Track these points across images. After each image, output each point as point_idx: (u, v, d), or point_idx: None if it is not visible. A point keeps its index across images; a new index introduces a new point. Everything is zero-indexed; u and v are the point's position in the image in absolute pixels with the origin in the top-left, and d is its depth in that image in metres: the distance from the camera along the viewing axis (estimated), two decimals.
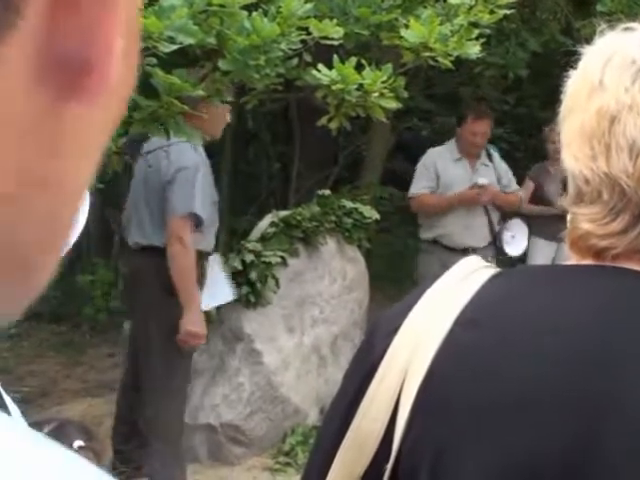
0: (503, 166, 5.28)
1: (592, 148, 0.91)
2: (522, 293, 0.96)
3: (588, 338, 0.89)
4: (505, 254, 5.13)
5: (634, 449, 0.83)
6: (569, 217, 0.96)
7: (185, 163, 3.32)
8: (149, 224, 3.52)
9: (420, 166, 5.19)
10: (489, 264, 1.02)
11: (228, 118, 3.42)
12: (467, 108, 5.50)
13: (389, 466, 0.94)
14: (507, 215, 5.22)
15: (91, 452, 1.95)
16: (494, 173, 5.16)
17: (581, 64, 0.95)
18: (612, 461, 0.84)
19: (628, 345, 0.88)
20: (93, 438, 2.05)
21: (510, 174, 5.28)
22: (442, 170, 5.07)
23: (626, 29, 0.94)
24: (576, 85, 0.94)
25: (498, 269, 1.00)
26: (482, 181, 5.01)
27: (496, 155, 5.33)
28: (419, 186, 5.10)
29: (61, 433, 1.90)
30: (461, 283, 0.98)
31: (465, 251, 4.68)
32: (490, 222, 5.11)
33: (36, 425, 1.76)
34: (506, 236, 5.15)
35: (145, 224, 3.54)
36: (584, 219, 0.92)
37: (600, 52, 0.94)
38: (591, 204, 0.92)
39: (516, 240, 5.25)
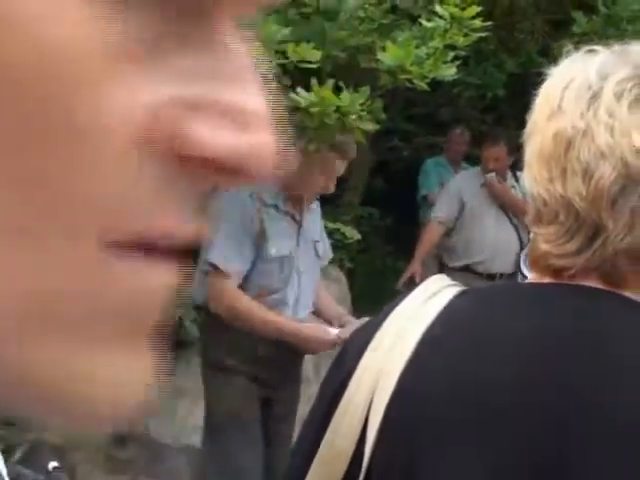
0: None
1: (549, 171, 0.94)
2: (485, 312, 0.99)
3: (548, 356, 0.91)
4: (525, 277, 4.99)
5: (613, 466, 0.86)
6: (531, 236, 0.99)
7: None
8: None
9: (444, 190, 5.16)
10: (455, 283, 1.05)
11: None
12: (486, 134, 5.43)
13: (361, 479, 0.97)
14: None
15: (64, 474, 1.96)
16: (521, 194, 5.07)
17: (543, 87, 0.98)
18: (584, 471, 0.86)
19: (587, 365, 0.90)
20: (67, 458, 2.06)
21: None
22: (468, 197, 5.01)
23: (589, 51, 0.97)
24: (538, 107, 0.97)
25: (463, 288, 1.03)
26: (490, 177, 4.98)
27: (522, 175, 5.24)
28: (440, 210, 5.05)
29: (34, 454, 1.92)
30: (427, 302, 1.00)
31: (493, 277, 4.65)
32: (521, 245, 4.93)
33: (10, 448, 1.77)
34: (523, 258, 5.01)
35: None
36: (542, 239, 0.95)
37: (561, 76, 0.96)
38: (549, 225, 0.94)
39: None
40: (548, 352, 0.92)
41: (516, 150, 5.26)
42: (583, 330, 0.92)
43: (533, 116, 0.98)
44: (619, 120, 0.90)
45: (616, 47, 0.96)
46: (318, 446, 1.00)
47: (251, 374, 3.01)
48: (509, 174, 5.10)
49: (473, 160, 6.29)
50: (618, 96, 0.91)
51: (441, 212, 5.05)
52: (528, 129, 0.98)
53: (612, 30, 4.65)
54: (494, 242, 4.92)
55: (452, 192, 5.08)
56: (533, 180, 0.96)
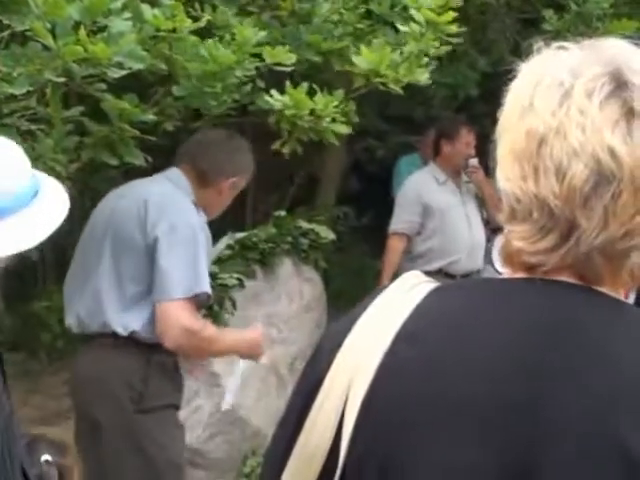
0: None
1: (522, 169, 0.94)
2: (458, 307, 0.99)
3: (520, 351, 0.92)
4: (499, 272, 5.00)
5: (581, 460, 0.86)
6: (504, 233, 0.99)
7: None
8: None
9: (400, 197, 4.97)
10: (429, 279, 1.05)
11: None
12: (441, 127, 5.27)
13: (337, 477, 0.96)
14: (494, 231, 5.01)
15: (56, 468, 1.95)
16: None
17: (514, 84, 0.98)
18: (554, 472, 0.86)
19: (557, 357, 0.90)
20: (64, 455, 2.05)
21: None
22: (430, 198, 4.86)
23: (560, 48, 0.97)
24: (509, 105, 0.97)
25: (437, 284, 1.03)
26: (473, 161, 4.94)
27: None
28: (399, 221, 4.90)
29: (31, 448, 1.91)
30: (401, 298, 1.00)
31: (467, 276, 4.62)
32: (487, 239, 4.95)
33: None
34: (495, 253, 4.96)
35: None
36: (516, 236, 0.95)
37: (531, 73, 0.97)
38: (522, 222, 0.94)
39: None
40: (522, 347, 0.92)
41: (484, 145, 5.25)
42: (556, 324, 0.92)
43: (503, 114, 0.98)
44: (590, 118, 0.90)
45: (586, 43, 0.97)
46: (294, 443, 1.00)
47: None
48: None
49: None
50: (589, 94, 0.91)
51: (400, 223, 4.91)
52: (499, 127, 0.98)
53: (583, 28, 4.67)
54: (469, 241, 4.90)
55: (409, 197, 4.94)
56: (505, 178, 0.96)
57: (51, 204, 1.68)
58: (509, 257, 0.98)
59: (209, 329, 2.84)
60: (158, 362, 2.74)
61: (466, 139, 4.99)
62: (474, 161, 4.96)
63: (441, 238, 4.86)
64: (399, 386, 0.95)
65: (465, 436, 0.90)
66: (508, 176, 0.95)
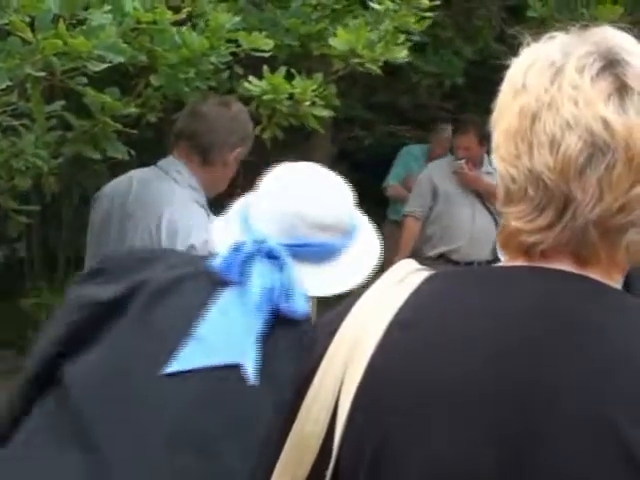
0: None
1: (516, 147, 0.94)
2: (454, 295, 0.99)
3: (517, 339, 0.91)
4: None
5: (576, 445, 0.86)
6: (501, 219, 1.00)
7: None
8: None
9: (417, 180, 5.18)
10: (423, 267, 1.05)
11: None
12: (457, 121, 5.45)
13: (330, 466, 0.96)
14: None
15: None
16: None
17: (507, 73, 0.99)
18: (551, 461, 0.86)
19: (553, 344, 0.90)
20: None
21: None
22: (441, 184, 5.03)
23: (550, 37, 0.98)
24: (503, 91, 0.98)
25: (433, 271, 1.03)
26: (459, 163, 4.99)
27: None
28: (414, 204, 5.09)
29: None
30: (397, 285, 1.00)
31: (471, 264, 4.64)
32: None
33: None
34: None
35: None
36: (512, 217, 0.95)
37: (523, 59, 0.98)
38: (519, 202, 0.95)
39: None
40: (515, 337, 0.91)
41: (488, 138, 5.21)
42: (550, 314, 0.92)
43: (498, 100, 0.99)
44: (583, 92, 0.91)
45: (574, 29, 0.98)
46: (288, 433, 1.00)
47: None
48: (485, 159, 5.09)
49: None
50: (580, 70, 0.92)
51: (415, 207, 5.06)
52: (495, 113, 0.99)
53: (567, 14, 4.67)
54: (470, 229, 4.94)
55: (424, 183, 5.09)
56: (501, 159, 0.96)
57: (368, 237, 1.61)
58: (506, 240, 0.98)
59: None
60: None
61: (454, 142, 5.09)
62: (459, 163, 4.99)
63: (443, 223, 4.97)
64: (394, 371, 0.95)
65: (461, 421, 0.90)
66: (503, 156, 0.96)
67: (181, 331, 1.40)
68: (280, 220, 1.48)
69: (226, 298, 1.42)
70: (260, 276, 1.42)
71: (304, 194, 1.51)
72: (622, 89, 0.92)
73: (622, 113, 0.91)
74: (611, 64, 0.93)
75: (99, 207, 2.83)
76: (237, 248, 1.45)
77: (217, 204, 2.90)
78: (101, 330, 1.44)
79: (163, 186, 2.71)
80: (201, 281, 1.45)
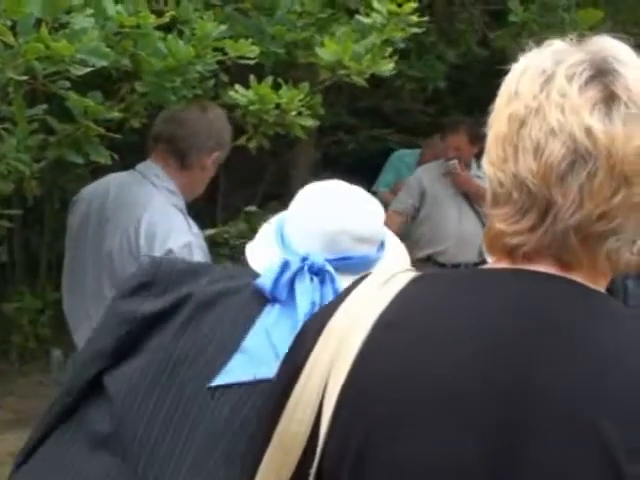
0: None
1: (504, 151, 0.96)
2: (440, 295, 1.00)
3: (501, 338, 0.93)
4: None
5: (559, 443, 0.86)
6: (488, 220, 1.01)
7: None
8: None
9: (405, 186, 5.19)
10: (411, 268, 1.07)
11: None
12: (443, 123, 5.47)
13: (314, 464, 0.97)
14: None
15: None
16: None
17: (505, 78, 1.01)
18: (534, 458, 0.87)
19: (536, 346, 0.91)
20: None
21: None
22: (429, 185, 5.04)
23: (547, 45, 1.00)
24: (499, 96, 1.01)
25: (419, 272, 1.04)
26: (453, 163, 4.99)
27: None
28: (397, 202, 5.11)
29: None
30: (383, 285, 1.02)
31: (457, 267, 4.65)
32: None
33: None
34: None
35: None
36: (497, 220, 0.98)
37: (519, 65, 1.00)
38: (504, 205, 0.97)
39: None
40: (500, 335, 0.92)
41: (479, 139, 5.21)
42: (534, 314, 0.93)
43: (495, 105, 1.01)
44: (570, 100, 0.93)
45: (573, 38, 0.99)
46: (273, 432, 1.00)
47: None
48: (474, 163, 5.12)
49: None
50: (569, 78, 0.94)
51: (398, 204, 5.08)
52: (490, 118, 1.01)
53: (549, 18, 4.70)
54: (457, 231, 4.96)
55: (412, 183, 5.12)
56: (490, 163, 0.98)
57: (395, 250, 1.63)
58: (491, 242, 1.00)
59: None
60: None
61: (447, 141, 5.07)
62: (452, 164, 4.99)
63: (431, 225, 4.98)
64: (379, 369, 0.96)
65: (446, 415, 0.91)
66: (492, 160, 0.98)
67: (225, 345, 1.40)
68: (321, 236, 1.51)
69: (273, 314, 1.44)
70: (305, 292, 1.44)
71: (343, 209, 1.54)
72: (609, 98, 0.93)
73: (607, 122, 0.92)
74: (601, 73, 0.94)
75: (77, 211, 2.82)
76: (284, 266, 1.47)
77: (195, 208, 2.91)
78: (144, 342, 1.44)
79: (141, 190, 2.70)
80: (245, 296, 1.46)
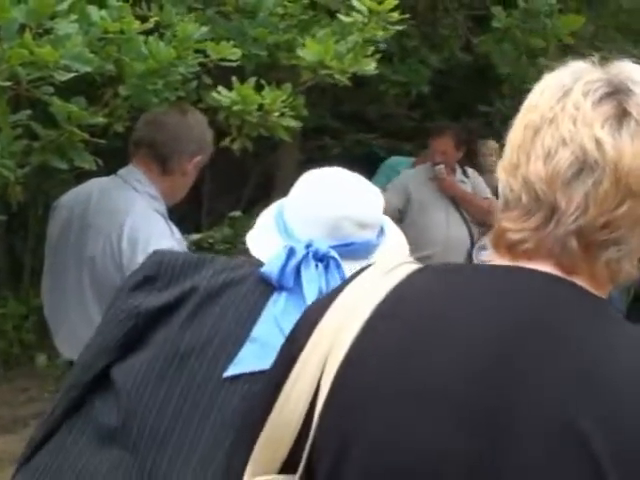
0: (480, 181, 5.19)
1: (518, 158, 1.00)
2: (439, 288, 1.02)
3: (494, 335, 0.94)
4: None
5: (541, 443, 0.87)
6: (495, 225, 1.04)
7: None
8: None
9: (390, 188, 5.07)
10: (412, 260, 1.09)
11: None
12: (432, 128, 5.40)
13: (304, 455, 0.99)
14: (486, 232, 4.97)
15: None
16: (471, 189, 5.07)
17: (529, 95, 1.06)
18: (520, 460, 0.88)
19: (529, 343, 0.93)
20: None
21: (488, 190, 5.14)
22: (415, 189, 4.99)
23: (569, 65, 1.04)
24: (521, 110, 1.05)
25: (420, 265, 1.06)
26: (439, 168, 4.97)
27: (471, 171, 5.24)
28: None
29: None
30: (384, 276, 1.03)
31: None
32: (471, 240, 4.98)
33: None
34: (482, 255, 4.90)
35: None
36: (505, 221, 1.01)
37: (543, 81, 1.05)
38: (514, 209, 1.00)
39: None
40: (495, 329, 0.94)
41: (464, 143, 5.25)
42: (527, 312, 0.95)
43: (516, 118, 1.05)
44: (583, 112, 0.96)
45: (596, 59, 1.04)
46: (266, 419, 1.02)
47: None
48: (458, 169, 5.11)
49: (405, 155, 6.30)
50: (585, 93, 0.98)
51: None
52: (510, 130, 1.05)
53: (531, 24, 4.73)
54: (445, 236, 4.92)
55: (397, 186, 5.07)
56: (503, 170, 1.02)
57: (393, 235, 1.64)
58: (496, 239, 1.03)
59: None
60: None
61: (433, 145, 5.05)
62: (439, 168, 4.97)
63: (417, 230, 4.90)
64: (373, 359, 0.97)
65: (441, 407, 0.92)
66: (505, 167, 1.02)
67: (232, 335, 1.41)
68: (324, 222, 1.52)
69: (280, 302, 1.44)
70: (312, 279, 1.45)
71: (345, 195, 1.55)
72: (621, 115, 0.97)
73: (617, 136, 0.96)
74: (617, 91, 0.98)
75: (58, 216, 2.81)
76: (290, 253, 1.47)
77: (179, 212, 2.91)
78: (150, 336, 1.45)
79: (123, 195, 2.70)
80: (249, 285, 1.47)
